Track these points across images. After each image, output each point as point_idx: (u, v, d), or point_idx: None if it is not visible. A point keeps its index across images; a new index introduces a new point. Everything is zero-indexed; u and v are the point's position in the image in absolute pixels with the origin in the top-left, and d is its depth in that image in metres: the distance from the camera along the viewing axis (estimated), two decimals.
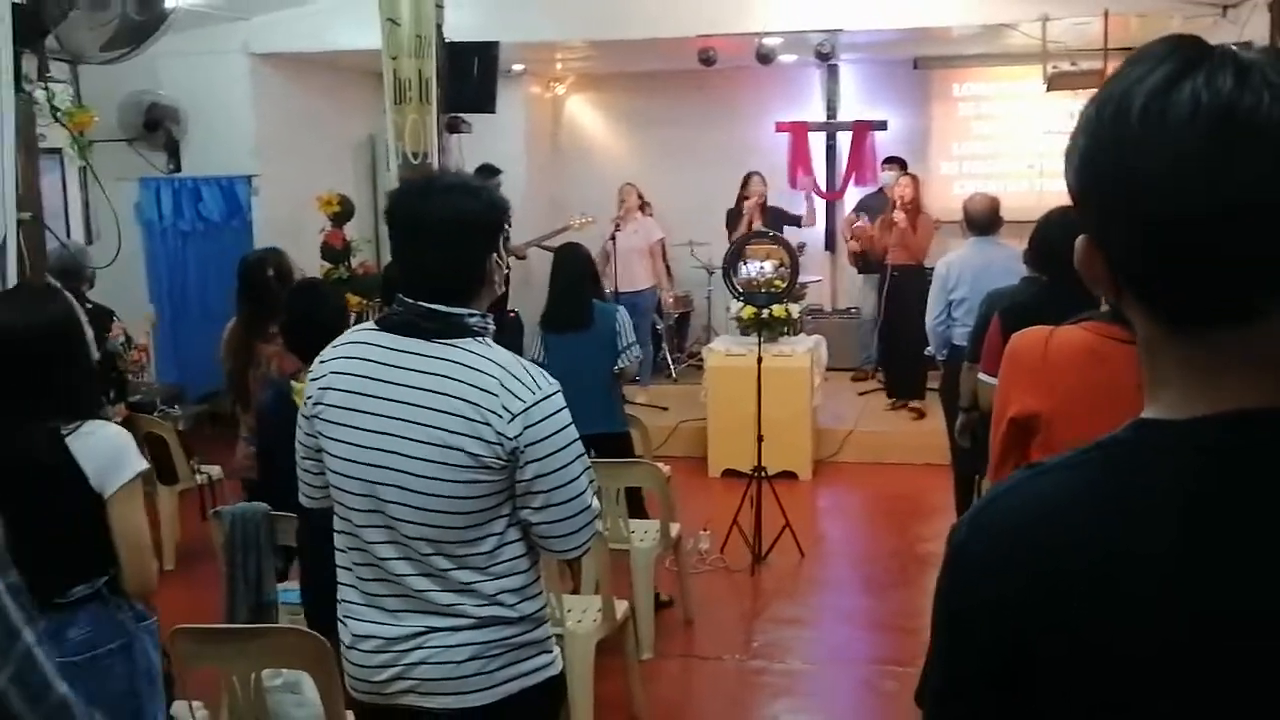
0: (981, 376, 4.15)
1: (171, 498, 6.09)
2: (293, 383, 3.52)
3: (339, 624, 2.34)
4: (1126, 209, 0.87)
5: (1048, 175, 10.19)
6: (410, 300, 2.22)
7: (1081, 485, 0.93)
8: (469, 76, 6.92)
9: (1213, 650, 0.86)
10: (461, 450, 2.12)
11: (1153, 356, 0.93)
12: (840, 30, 8.40)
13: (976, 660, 0.95)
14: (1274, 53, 0.86)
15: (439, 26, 6.23)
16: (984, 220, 5.96)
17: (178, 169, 8.65)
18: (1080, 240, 0.94)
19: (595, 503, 2.28)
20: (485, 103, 7.17)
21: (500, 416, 2.12)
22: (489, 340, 2.24)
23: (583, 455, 2.25)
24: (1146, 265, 0.89)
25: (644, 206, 9.92)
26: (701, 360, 8.78)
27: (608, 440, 5.34)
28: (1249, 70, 0.84)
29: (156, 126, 8.44)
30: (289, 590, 3.87)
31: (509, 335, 9.60)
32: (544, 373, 2.23)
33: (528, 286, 10.74)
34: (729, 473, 7.53)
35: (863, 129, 10.82)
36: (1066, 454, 0.96)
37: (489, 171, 9.08)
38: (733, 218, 9.36)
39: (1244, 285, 0.85)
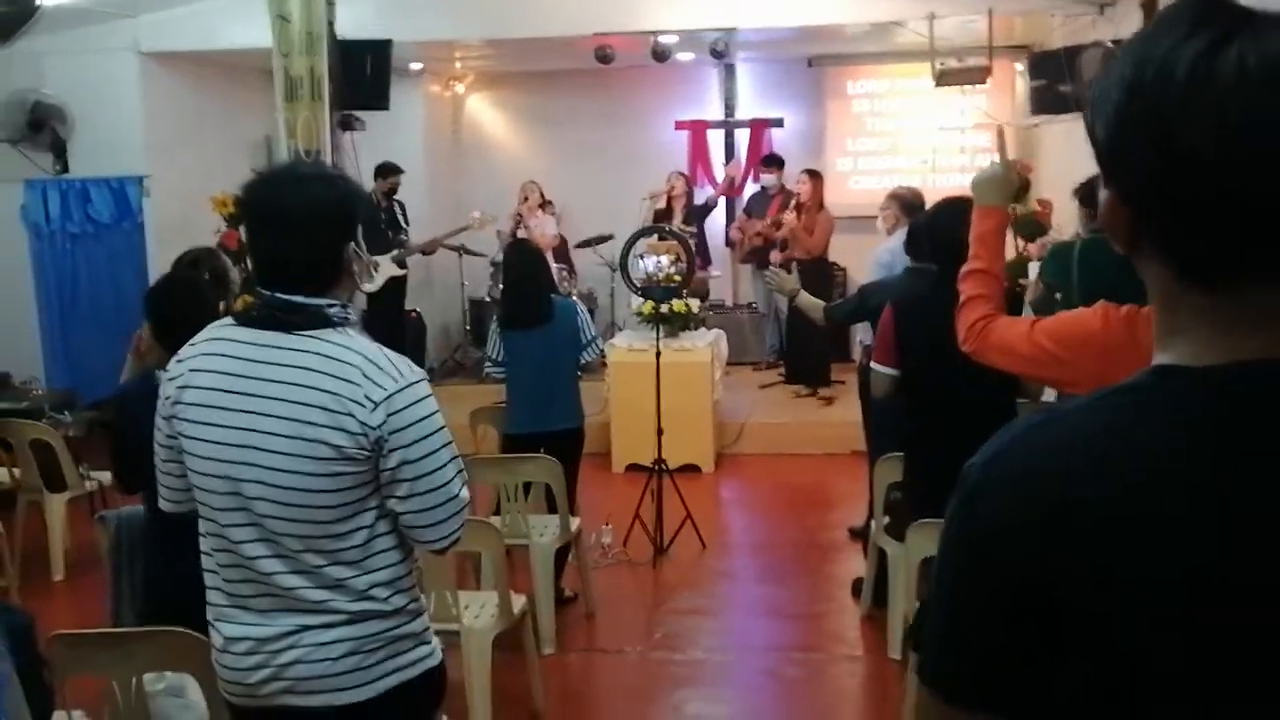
0: (874, 366, 4.14)
1: (60, 506, 5.92)
2: (159, 373, 3.41)
3: (209, 628, 2.30)
4: (1165, 164, 0.91)
5: (940, 170, 10.42)
6: (268, 293, 2.18)
7: (1100, 425, 0.97)
8: (362, 74, 6.86)
9: (1237, 571, 0.90)
10: (325, 443, 2.09)
11: (1167, 308, 0.98)
12: (734, 29, 8.50)
13: (990, 598, 0.97)
14: None
15: (330, 24, 6.17)
16: (920, 207, 5.98)
17: (65, 170, 8.42)
18: (1105, 196, 0.99)
19: (464, 493, 2.26)
20: (378, 100, 7.12)
21: (363, 406, 2.10)
22: (350, 330, 2.21)
23: (450, 444, 2.22)
24: (1180, 219, 0.93)
25: (545, 205, 9.91)
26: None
27: (569, 435, 5.34)
28: None
29: (42, 127, 8.21)
30: None
31: (411, 335, 9.55)
32: (408, 361, 2.21)
33: (428, 286, 10.69)
34: (632, 467, 7.55)
35: (760, 126, 10.98)
36: (1082, 399, 1.00)
37: (389, 170, 9.03)
38: (662, 216, 9.41)
39: (1270, 239, 0.90)
